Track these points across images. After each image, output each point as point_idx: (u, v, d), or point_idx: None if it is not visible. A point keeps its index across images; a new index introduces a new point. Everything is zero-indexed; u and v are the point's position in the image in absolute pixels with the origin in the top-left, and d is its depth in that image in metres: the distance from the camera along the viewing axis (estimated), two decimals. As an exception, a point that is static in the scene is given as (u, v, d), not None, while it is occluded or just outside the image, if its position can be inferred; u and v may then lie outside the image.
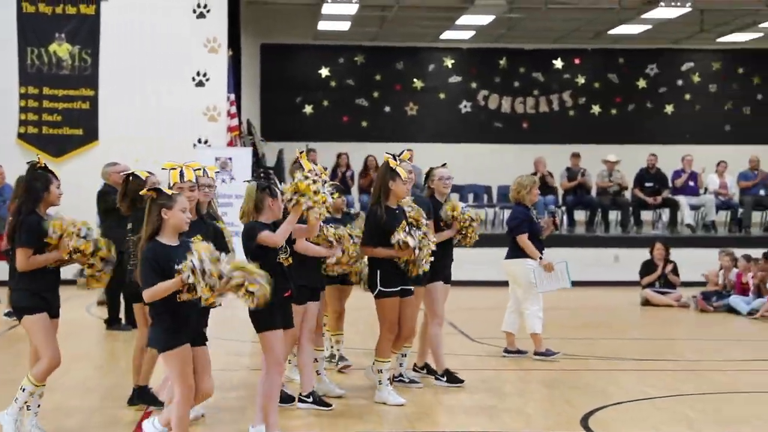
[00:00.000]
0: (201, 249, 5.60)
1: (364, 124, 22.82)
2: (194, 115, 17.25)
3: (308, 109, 22.75)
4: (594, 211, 19.14)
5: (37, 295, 6.59)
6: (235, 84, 18.18)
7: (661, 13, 19.45)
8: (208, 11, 17.34)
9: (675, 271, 15.48)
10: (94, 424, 7.39)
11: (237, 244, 6.96)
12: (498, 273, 16.23)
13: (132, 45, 17.21)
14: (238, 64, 18.94)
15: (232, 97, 17.73)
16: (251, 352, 10.23)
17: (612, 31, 21.46)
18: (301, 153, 7.53)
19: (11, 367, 9.24)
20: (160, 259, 5.67)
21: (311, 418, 7.60)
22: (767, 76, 23.27)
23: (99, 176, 12.06)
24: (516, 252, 10.11)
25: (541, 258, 10.03)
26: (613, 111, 23.22)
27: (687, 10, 19.17)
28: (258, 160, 18.88)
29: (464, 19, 20.28)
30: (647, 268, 15.59)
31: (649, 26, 20.96)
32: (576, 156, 19.55)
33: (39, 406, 6.80)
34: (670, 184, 19.20)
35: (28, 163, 6.88)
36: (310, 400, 7.81)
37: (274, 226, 6.59)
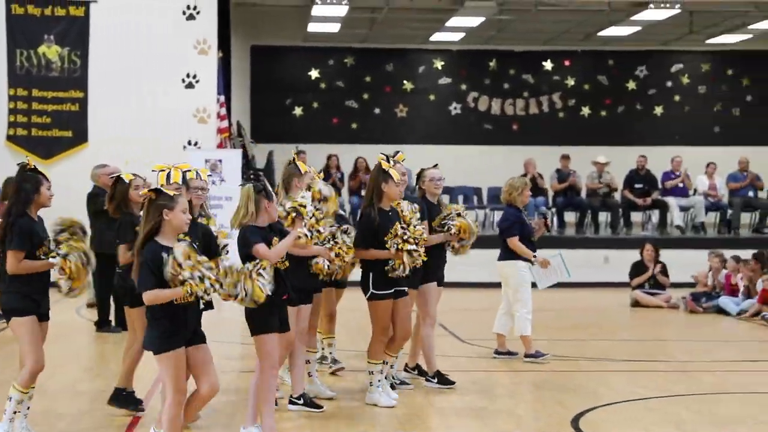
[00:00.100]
0: (180, 255, 5.57)
1: (354, 125, 22.82)
2: (184, 116, 17.22)
3: (298, 110, 22.74)
4: (584, 212, 19.17)
5: (28, 297, 6.57)
6: (225, 86, 18.17)
7: (651, 14, 19.49)
8: (197, 13, 17.32)
9: (664, 272, 15.52)
10: (84, 427, 7.37)
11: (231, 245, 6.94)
12: (489, 274, 16.25)
13: (121, 47, 17.18)
14: (228, 65, 18.93)
15: (222, 98, 17.72)
16: (241, 355, 10.22)
17: (601, 33, 21.50)
18: (297, 154, 7.54)
19: (2, 368, 9.20)
20: (159, 260, 5.64)
21: (302, 420, 7.59)
22: (756, 78, 23.35)
23: (88, 178, 12.04)
24: (508, 254, 10.12)
25: (534, 256, 10.04)
26: (603, 112, 23.26)
27: (676, 11, 19.22)
28: (248, 162, 18.87)
29: (454, 21, 20.30)
30: (637, 269, 15.62)
31: (639, 28, 21.01)
32: (566, 158, 19.58)
33: (29, 408, 6.78)
34: (660, 186, 19.25)
35: (18, 164, 6.86)
36: (301, 402, 7.81)
37: (269, 229, 6.58)
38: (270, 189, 6.74)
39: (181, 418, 5.90)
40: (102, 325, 11.82)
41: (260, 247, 6.39)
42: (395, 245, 7.71)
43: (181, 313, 5.69)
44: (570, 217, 19.61)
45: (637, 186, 19.12)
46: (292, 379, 7.89)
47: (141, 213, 7.48)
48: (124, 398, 7.61)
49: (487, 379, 9.49)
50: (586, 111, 23.20)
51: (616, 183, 19.28)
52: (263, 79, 22.46)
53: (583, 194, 19.45)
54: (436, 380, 8.80)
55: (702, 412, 8.11)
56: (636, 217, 19.50)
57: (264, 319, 6.45)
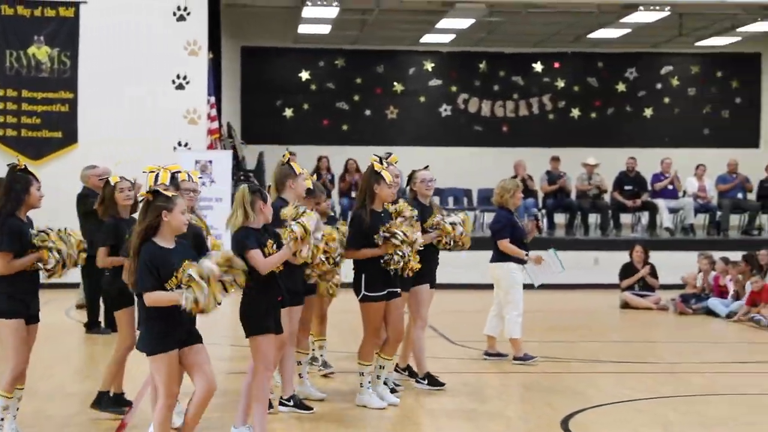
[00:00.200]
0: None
1: (345, 127, 22.81)
2: (174, 117, 17.19)
3: (288, 112, 22.72)
4: (573, 214, 19.21)
5: (16, 299, 6.54)
6: (215, 87, 18.15)
7: (640, 17, 19.54)
8: (188, 14, 17.30)
9: (654, 273, 15.56)
10: (73, 430, 7.36)
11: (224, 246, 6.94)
12: (479, 276, 16.28)
13: (111, 48, 17.14)
14: (218, 67, 18.91)
15: (213, 100, 17.70)
16: (230, 357, 10.22)
17: (591, 35, 21.55)
18: (292, 155, 7.53)
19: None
20: (157, 261, 5.62)
21: (292, 422, 7.59)
22: (745, 80, 23.42)
23: (78, 179, 12.02)
24: (499, 256, 10.13)
25: (527, 254, 10.04)
26: (593, 114, 23.31)
27: (665, 14, 19.28)
28: (238, 164, 18.86)
29: (444, 23, 20.31)
30: (626, 270, 15.66)
31: (628, 30, 21.06)
32: (556, 159, 19.62)
33: (18, 409, 6.77)
34: (649, 188, 19.29)
35: (8, 165, 6.84)
36: (291, 403, 7.81)
37: (263, 231, 6.58)
38: (264, 190, 6.74)
39: (171, 422, 5.89)
40: (91, 326, 11.79)
41: (255, 254, 6.37)
42: (383, 237, 7.70)
43: (176, 313, 5.66)
44: (560, 218, 19.64)
45: (626, 188, 19.17)
46: (282, 380, 7.89)
47: (126, 215, 7.52)
48: (107, 402, 7.58)
49: (477, 380, 9.51)
50: (575, 113, 23.24)
51: (605, 185, 19.32)
52: (254, 81, 22.45)
53: (573, 196, 19.49)
54: (426, 382, 8.81)
55: (691, 413, 8.14)
56: (625, 218, 19.55)
57: (260, 320, 6.43)
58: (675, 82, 23.41)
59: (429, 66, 23.06)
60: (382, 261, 7.77)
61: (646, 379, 9.62)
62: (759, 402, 8.69)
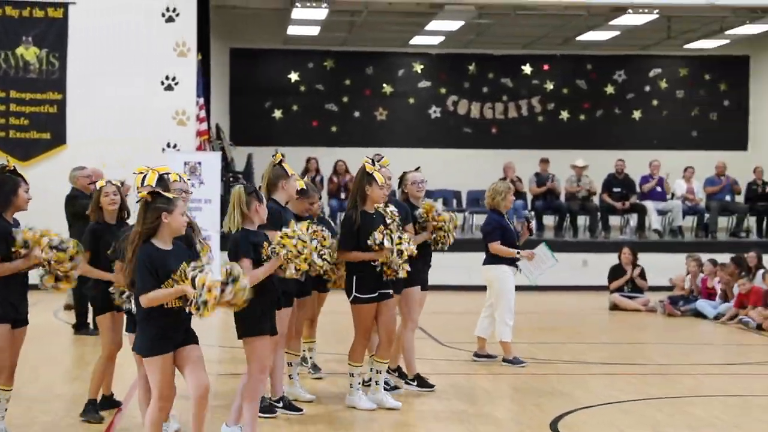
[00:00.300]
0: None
1: (334, 128, 22.80)
2: (163, 119, 17.16)
3: (277, 113, 22.71)
4: (562, 216, 19.24)
5: (5, 301, 6.50)
6: (204, 88, 18.11)
7: (629, 19, 19.59)
8: (177, 15, 17.27)
9: (642, 275, 15.60)
10: (61, 431, 7.34)
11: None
12: (468, 277, 16.35)
13: (100, 49, 17.10)
14: (207, 68, 18.88)
15: (201, 101, 17.67)
16: (219, 359, 10.20)
17: (580, 38, 21.59)
18: (283, 156, 7.51)
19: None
20: (156, 262, 5.58)
21: (281, 423, 7.58)
22: (734, 83, 23.49)
23: (66, 180, 11.98)
24: (492, 258, 10.13)
25: (518, 252, 10.03)
26: (582, 117, 23.34)
27: (654, 16, 19.33)
28: (227, 165, 18.83)
29: (433, 25, 20.33)
30: (615, 272, 15.69)
31: (617, 33, 21.11)
32: (545, 161, 19.65)
33: (6, 410, 6.75)
34: (638, 190, 19.34)
35: (-4, 166, 6.80)
36: (281, 404, 7.80)
37: (259, 231, 6.56)
38: (260, 191, 6.73)
39: (162, 424, 5.86)
40: (80, 327, 11.76)
41: (245, 264, 6.32)
42: (378, 243, 7.69)
43: (173, 315, 5.63)
44: (549, 220, 19.67)
45: (615, 190, 19.21)
46: (272, 381, 7.88)
47: (112, 220, 7.46)
48: (94, 408, 7.56)
49: (466, 382, 9.51)
50: (564, 115, 23.28)
51: (594, 187, 19.36)
52: (243, 82, 22.42)
53: (562, 198, 19.52)
54: (415, 383, 8.80)
55: (679, 414, 8.16)
56: (614, 220, 19.59)
57: (256, 322, 6.40)
58: (663, 84, 23.47)
59: (418, 68, 23.07)
60: (373, 264, 7.75)
61: (634, 381, 9.64)
62: (747, 403, 8.72)
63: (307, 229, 6.86)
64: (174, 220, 5.70)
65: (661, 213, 19.34)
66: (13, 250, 6.42)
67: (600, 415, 8.14)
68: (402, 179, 8.85)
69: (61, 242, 6.50)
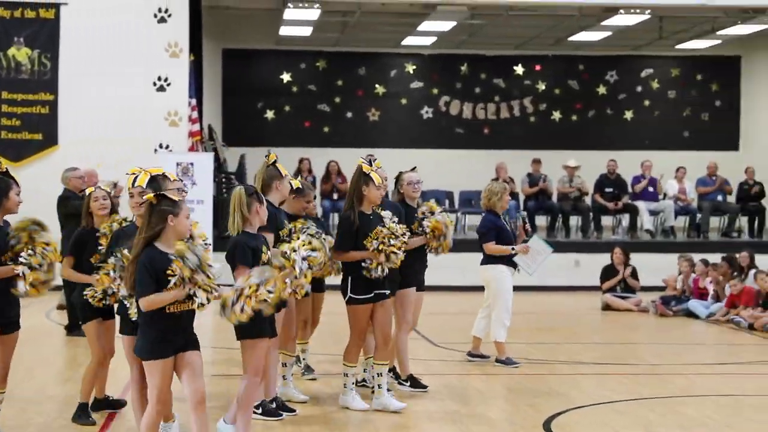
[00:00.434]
0: (184, 248, 5.53)
1: (326, 129, 22.80)
2: (155, 119, 17.14)
3: (270, 114, 22.70)
4: (555, 216, 19.27)
5: None
6: (196, 89, 18.10)
7: (621, 20, 19.62)
8: (169, 16, 17.25)
9: (634, 275, 15.63)
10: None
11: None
12: (462, 278, 16.36)
13: (92, 49, 17.07)
14: (199, 68, 18.86)
15: (194, 102, 17.65)
16: (212, 360, 10.18)
17: (572, 38, 21.62)
18: (276, 158, 7.50)
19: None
20: (157, 265, 5.52)
21: (274, 424, 7.58)
22: (725, 83, 23.55)
23: (58, 181, 11.96)
24: (489, 258, 10.12)
25: (512, 248, 10.02)
26: (574, 117, 23.38)
27: (646, 17, 19.36)
28: (220, 166, 18.81)
29: (426, 25, 20.34)
30: (607, 272, 15.72)
31: (609, 33, 21.15)
32: (537, 162, 19.68)
33: (-1, 411, 6.75)
34: (630, 190, 19.37)
35: (-11, 168, 6.78)
36: (274, 405, 7.79)
37: (259, 233, 6.55)
38: (260, 192, 6.70)
39: (158, 427, 5.84)
40: (72, 328, 11.72)
41: (241, 271, 6.20)
42: (375, 244, 7.69)
43: (174, 318, 5.60)
44: (541, 220, 19.70)
45: (607, 190, 19.24)
46: (265, 382, 7.87)
47: (101, 225, 7.41)
48: (85, 411, 7.55)
49: (459, 382, 9.52)
50: (557, 115, 23.31)
51: (586, 187, 19.39)
52: (235, 83, 22.41)
53: (554, 198, 19.55)
54: (409, 384, 8.80)
55: (671, 414, 8.18)
56: (606, 220, 19.62)
57: (255, 324, 6.39)
58: (655, 84, 23.51)
59: (410, 68, 23.08)
60: (363, 265, 7.75)
61: (627, 381, 9.66)
62: (738, 403, 8.75)
63: (299, 238, 6.87)
64: (179, 223, 5.65)
65: (653, 213, 19.38)
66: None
67: (592, 415, 8.15)
68: (398, 179, 8.82)
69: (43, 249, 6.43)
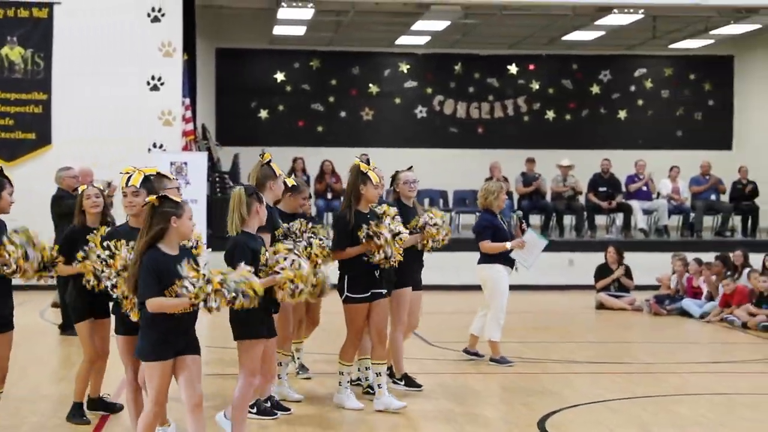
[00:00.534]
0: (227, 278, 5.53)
1: (320, 128, 22.80)
2: (149, 119, 17.12)
3: (264, 113, 22.69)
4: (549, 215, 19.28)
5: None
6: (190, 88, 18.08)
7: (614, 19, 19.65)
8: (162, 15, 17.23)
9: (629, 274, 15.65)
10: (49, 431, 7.32)
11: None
12: (456, 277, 16.36)
13: (85, 49, 17.05)
14: (193, 68, 18.85)
15: (188, 101, 17.64)
16: (207, 360, 10.16)
17: (566, 38, 21.64)
18: (270, 157, 7.49)
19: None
20: (161, 266, 5.50)
21: (269, 423, 7.58)
22: (718, 83, 23.60)
23: (52, 181, 11.93)
24: (486, 257, 10.11)
25: (508, 245, 10.00)
26: (567, 116, 23.40)
27: (639, 16, 19.39)
28: (213, 165, 18.80)
29: (420, 25, 20.34)
30: (601, 271, 15.74)
31: (602, 32, 21.17)
32: (531, 161, 19.69)
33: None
34: (624, 189, 19.40)
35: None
36: (269, 404, 7.79)
37: (258, 233, 6.54)
38: (260, 192, 6.68)
39: (155, 428, 5.83)
40: (66, 328, 11.71)
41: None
42: (366, 234, 7.68)
43: (175, 320, 5.57)
44: (535, 220, 19.69)
45: (601, 189, 19.27)
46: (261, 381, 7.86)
47: (95, 224, 7.39)
48: (79, 411, 7.54)
49: (453, 381, 9.52)
50: (550, 115, 23.33)
51: (580, 186, 19.41)
52: (228, 82, 22.39)
53: (548, 197, 19.56)
54: (403, 383, 8.80)
55: (665, 413, 8.19)
56: (600, 220, 19.65)
57: (253, 325, 6.36)
58: (648, 84, 23.55)
59: (404, 68, 23.09)
60: (365, 258, 7.74)
61: (621, 380, 9.68)
62: (732, 402, 8.76)
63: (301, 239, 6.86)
64: (182, 224, 5.62)
65: (647, 212, 19.41)
66: None
67: (587, 413, 8.17)
68: (394, 178, 8.80)
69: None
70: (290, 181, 8.06)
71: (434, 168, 21.15)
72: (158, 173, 6.88)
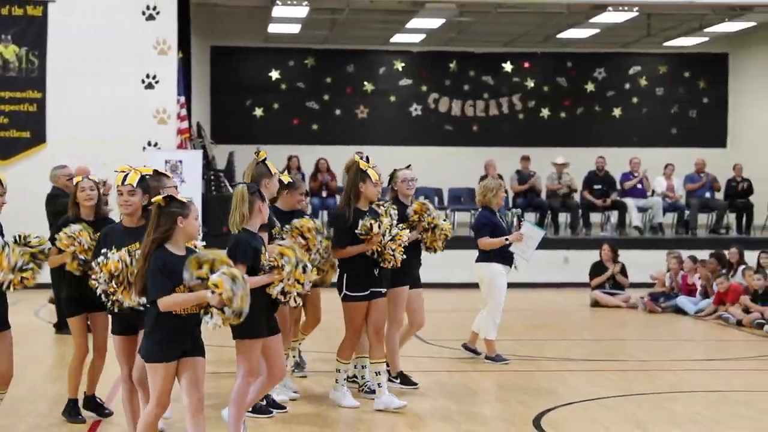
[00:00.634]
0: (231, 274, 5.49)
1: (315, 126, 22.80)
2: (144, 117, 17.09)
3: (258, 111, 22.68)
4: (543, 213, 19.29)
5: None
6: (185, 86, 18.07)
7: (609, 17, 19.67)
8: (157, 13, 17.21)
9: (623, 272, 15.66)
10: (44, 431, 7.31)
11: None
12: (451, 275, 16.36)
13: (80, 47, 17.02)
14: (188, 66, 18.84)
15: (182, 99, 17.62)
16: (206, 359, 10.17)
17: (561, 35, 21.66)
18: (265, 155, 7.48)
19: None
20: (170, 267, 5.48)
21: (264, 421, 7.58)
22: (713, 80, 23.63)
23: (46, 179, 11.92)
24: (484, 256, 10.11)
25: (506, 239, 10.01)
26: (562, 114, 23.43)
27: (634, 14, 19.41)
28: (208, 163, 18.79)
29: (414, 23, 20.35)
30: (596, 269, 15.75)
31: (597, 30, 21.19)
32: (526, 159, 19.70)
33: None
34: (618, 187, 19.42)
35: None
36: (264, 402, 7.79)
37: (261, 230, 6.54)
38: (262, 191, 6.67)
39: (156, 428, 5.82)
40: (61, 326, 11.70)
41: (240, 269, 6.17)
42: (368, 225, 7.67)
43: (182, 320, 5.55)
44: (530, 217, 19.70)
45: (596, 187, 19.28)
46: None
47: (90, 216, 7.35)
48: (74, 409, 7.53)
49: (449, 379, 9.53)
50: (545, 112, 23.35)
51: (575, 184, 19.43)
52: (223, 80, 22.39)
53: (543, 195, 19.58)
54: (398, 381, 8.81)
55: (660, 410, 8.21)
56: (595, 217, 19.66)
57: (252, 324, 6.35)
58: (643, 82, 23.58)
59: (399, 65, 23.09)
60: (368, 256, 7.72)
61: (616, 377, 9.69)
62: (726, 399, 8.78)
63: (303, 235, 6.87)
64: (189, 224, 5.61)
65: (642, 210, 19.43)
66: None
67: (582, 411, 8.18)
68: (392, 177, 8.79)
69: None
70: (286, 178, 8.05)
71: (429, 166, 21.13)
72: (157, 172, 6.86)
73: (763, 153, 22.00)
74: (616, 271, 15.57)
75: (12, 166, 16.41)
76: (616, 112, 23.48)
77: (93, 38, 17.03)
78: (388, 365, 8.87)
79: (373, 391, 8.22)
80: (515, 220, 10.52)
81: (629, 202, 19.23)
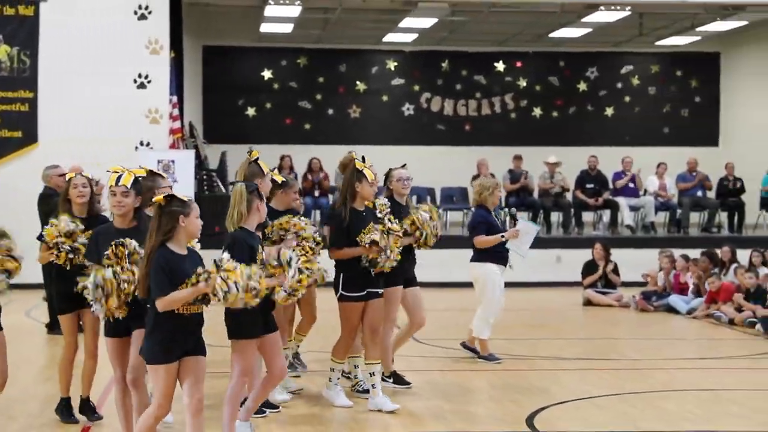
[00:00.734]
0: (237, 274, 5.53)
1: (307, 126, 22.80)
2: (136, 117, 17.07)
3: (251, 111, 22.66)
4: (536, 212, 19.31)
5: None
6: (177, 86, 18.03)
7: (601, 16, 19.70)
8: (149, 13, 17.19)
9: (616, 271, 15.69)
10: (36, 431, 7.30)
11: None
12: (447, 273, 16.36)
13: (72, 46, 16.99)
14: (180, 66, 18.80)
15: (175, 99, 17.59)
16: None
17: (553, 35, 21.68)
18: (258, 155, 7.46)
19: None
20: (172, 265, 5.47)
21: (258, 421, 7.57)
22: (705, 79, 23.68)
23: (38, 179, 11.90)
24: (479, 255, 10.10)
25: (502, 236, 10.00)
26: (554, 113, 23.45)
27: (626, 13, 19.44)
28: (201, 163, 18.76)
29: (407, 22, 20.35)
30: (589, 268, 15.78)
31: (589, 29, 21.22)
32: (518, 158, 19.72)
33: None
34: (611, 186, 19.45)
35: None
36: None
37: (258, 230, 6.53)
38: (260, 190, 6.66)
39: (155, 428, 5.81)
40: (54, 327, 11.67)
41: None
42: (368, 239, 7.66)
43: (183, 320, 5.55)
44: (522, 216, 19.71)
45: (588, 186, 19.31)
46: (249, 378, 7.84)
47: (82, 213, 7.32)
48: (67, 409, 7.52)
49: (443, 379, 9.53)
50: (537, 112, 23.38)
51: (567, 183, 19.45)
52: (216, 80, 22.37)
53: (536, 194, 19.60)
54: (391, 380, 8.80)
55: (652, 408, 8.22)
56: (587, 216, 19.69)
57: (247, 324, 6.33)
58: (635, 81, 23.61)
59: (392, 65, 23.10)
60: (364, 260, 7.72)
61: (608, 376, 9.71)
62: (718, 397, 8.80)
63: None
64: (191, 223, 5.61)
65: (634, 209, 19.46)
66: None
67: (575, 410, 8.19)
68: (388, 176, 8.78)
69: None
70: (278, 177, 8.04)
71: (422, 165, 21.07)
72: (151, 172, 6.84)
73: (755, 152, 22.05)
74: (608, 270, 15.59)
75: (3, 166, 16.37)
76: (609, 111, 23.52)
77: (85, 38, 17.00)
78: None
79: (366, 391, 8.23)
80: (508, 219, 10.51)
81: (621, 201, 19.26)
